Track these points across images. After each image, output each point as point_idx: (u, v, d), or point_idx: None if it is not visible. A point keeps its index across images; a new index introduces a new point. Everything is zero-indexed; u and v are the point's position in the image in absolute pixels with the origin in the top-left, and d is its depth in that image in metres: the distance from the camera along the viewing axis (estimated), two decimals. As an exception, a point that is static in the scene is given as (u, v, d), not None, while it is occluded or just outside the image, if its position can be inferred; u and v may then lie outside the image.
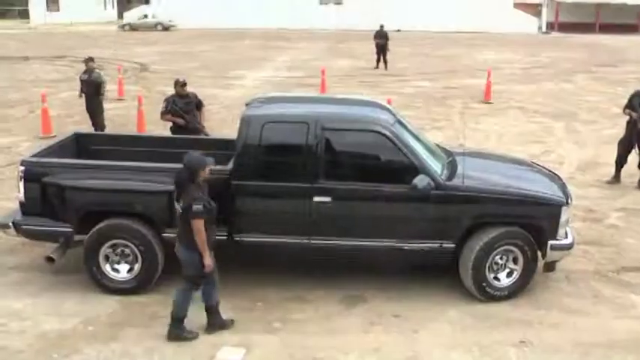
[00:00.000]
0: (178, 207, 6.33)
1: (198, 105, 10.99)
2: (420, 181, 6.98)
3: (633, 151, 11.73)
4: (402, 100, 19.86)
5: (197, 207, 6.16)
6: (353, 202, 7.19)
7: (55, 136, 13.28)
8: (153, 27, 55.08)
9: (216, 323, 6.67)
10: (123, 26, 55.90)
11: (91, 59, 14.73)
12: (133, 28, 55.03)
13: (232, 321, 6.78)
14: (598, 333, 6.81)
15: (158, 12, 56.43)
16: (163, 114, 10.84)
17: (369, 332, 6.75)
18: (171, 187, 7.12)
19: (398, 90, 22.32)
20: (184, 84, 10.83)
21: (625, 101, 11.99)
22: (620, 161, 11.87)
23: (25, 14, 64.90)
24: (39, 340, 6.51)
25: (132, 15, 58.76)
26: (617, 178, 11.96)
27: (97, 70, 14.82)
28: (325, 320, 6.94)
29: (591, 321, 7.07)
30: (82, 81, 14.70)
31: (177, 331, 6.51)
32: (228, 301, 7.30)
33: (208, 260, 6.31)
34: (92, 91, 14.45)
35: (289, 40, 43.40)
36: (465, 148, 8.77)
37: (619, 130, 12.10)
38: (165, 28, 55.18)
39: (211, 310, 6.67)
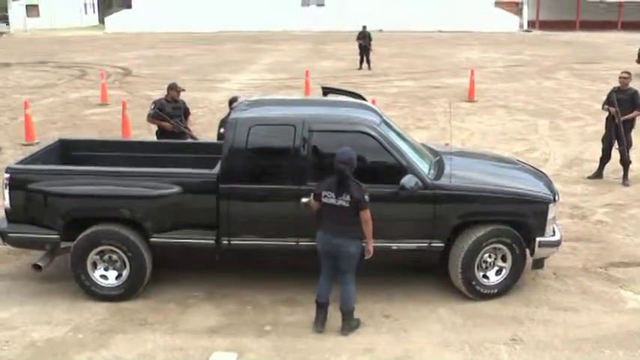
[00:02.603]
0: (343, 202, 6.41)
1: (186, 112, 10.95)
2: (408, 181, 6.99)
3: (614, 147, 11.83)
4: (386, 101, 19.90)
5: (367, 197, 6.42)
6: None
7: (38, 143, 13.21)
8: None
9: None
10: None
11: None
12: None
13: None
14: (588, 329, 6.85)
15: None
16: (150, 117, 10.78)
17: (359, 333, 6.74)
18: (159, 192, 7.13)
19: (382, 90, 22.36)
20: (180, 91, 10.80)
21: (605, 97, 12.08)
22: (605, 157, 11.96)
23: (4, 20, 64.28)
24: (28, 349, 6.45)
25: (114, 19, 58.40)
26: (598, 174, 12.05)
27: None
28: (316, 322, 6.93)
29: (581, 317, 7.11)
30: None
31: (354, 322, 6.78)
32: (218, 306, 7.31)
33: (372, 246, 6.58)
34: None
35: (272, 42, 43.33)
36: (452, 148, 8.77)
37: (602, 126, 12.18)
38: None
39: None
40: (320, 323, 6.77)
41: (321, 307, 6.78)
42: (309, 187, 6.98)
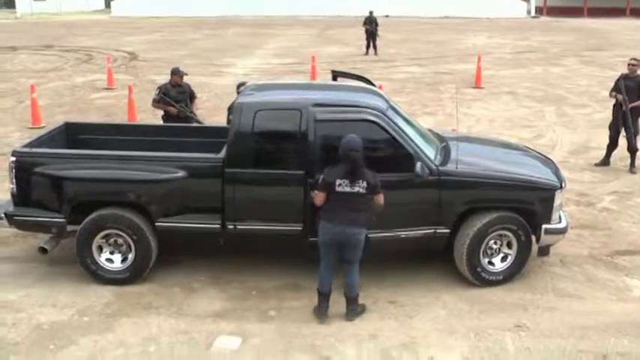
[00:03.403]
0: (360, 189, 6.41)
1: (191, 96, 10.93)
2: (419, 167, 6.98)
3: (621, 134, 11.79)
4: (393, 86, 19.84)
5: (379, 182, 6.47)
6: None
7: (44, 127, 13.23)
8: None
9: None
10: None
11: None
12: None
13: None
14: (593, 316, 6.84)
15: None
16: (155, 102, 10.78)
17: (364, 319, 6.74)
18: (164, 176, 7.13)
19: (388, 76, 22.29)
20: (182, 75, 10.79)
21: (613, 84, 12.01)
22: (612, 145, 11.91)
23: (11, 4, 64.14)
24: (34, 331, 6.48)
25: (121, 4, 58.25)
26: (605, 161, 12.01)
27: None
28: (321, 307, 6.93)
29: (587, 304, 7.10)
30: None
31: (359, 308, 6.82)
32: (223, 290, 7.32)
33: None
34: None
35: (278, 27, 43.19)
36: (458, 133, 8.73)
37: (609, 113, 12.13)
38: None
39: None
40: (323, 312, 6.73)
41: (324, 296, 6.74)
42: (314, 172, 6.96)
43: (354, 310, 6.74)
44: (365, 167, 6.42)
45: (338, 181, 6.42)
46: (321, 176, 6.60)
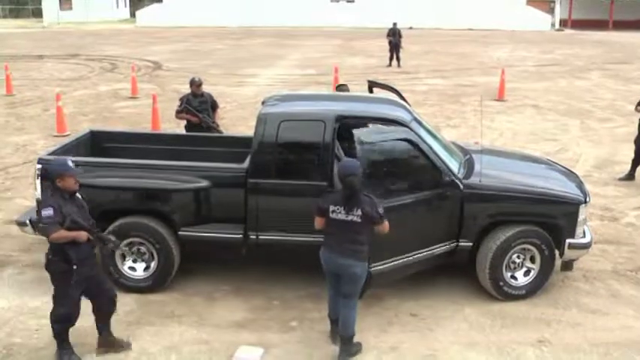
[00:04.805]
0: (354, 217, 5.90)
1: (213, 105, 10.96)
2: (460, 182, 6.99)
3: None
4: (416, 98, 19.76)
5: (382, 210, 5.97)
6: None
7: (69, 135, 13.36)
8: None
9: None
10: None
11: None
12: None
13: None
14: (617, 333, 6.77)
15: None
16: (178, 113, 10.85)
17: (386, 331, 6.73)
18: (188, 185, 7.17)
19: (411, 88, 22.23)
20: (200, 84, 10.82)
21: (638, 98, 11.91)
22: (637, 159, 11.79)
23: (38, 13, 65.11)
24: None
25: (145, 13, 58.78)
26: (630, 176, 11.89)
27: None
28: (342, 319, 6.91)
29: (610, 320, 7.02)
30: None
31: (354, 348, 6.27)
32: (245, 300, 7.33)
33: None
34: None
35: (301, 38, 43.33)
36: (481, 146, 8.70)
37: (635, 127, 12.02)
38: None
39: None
40: (336, 338, 6.41)
41: (335, 323, 6.45)
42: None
43: (347, 351, 6.20)
44: (362, 194, 5.92)
45: (332, 207, 6.00)
46: (320, 199, 6.27)
